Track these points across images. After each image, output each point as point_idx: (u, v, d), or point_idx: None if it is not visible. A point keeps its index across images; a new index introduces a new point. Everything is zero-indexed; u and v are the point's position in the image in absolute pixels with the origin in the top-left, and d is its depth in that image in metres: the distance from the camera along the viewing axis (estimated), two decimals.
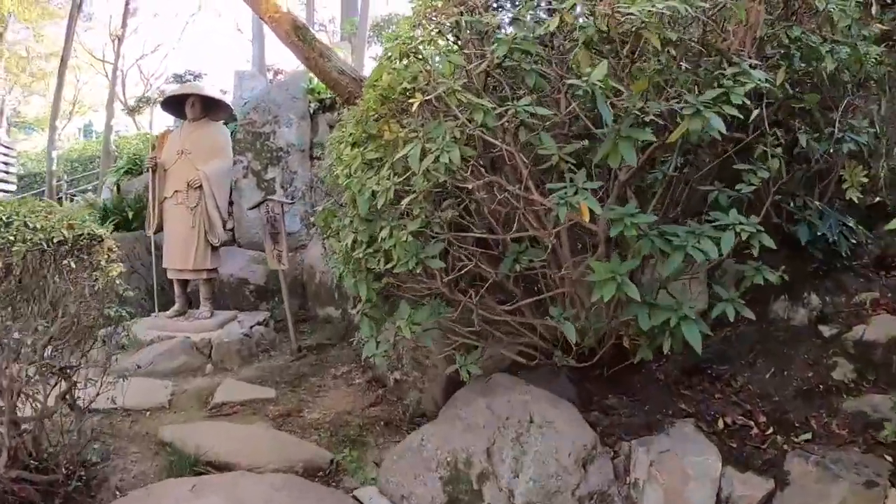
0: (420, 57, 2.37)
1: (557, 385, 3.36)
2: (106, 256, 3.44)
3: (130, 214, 8.41)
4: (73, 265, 3.15)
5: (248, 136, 8.40)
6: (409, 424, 4.16)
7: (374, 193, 2.34)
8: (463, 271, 2.56)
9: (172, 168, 6.26)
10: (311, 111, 8.74)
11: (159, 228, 6.36)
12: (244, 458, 3.61)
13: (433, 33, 2.47)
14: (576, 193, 2.15)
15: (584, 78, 2.02)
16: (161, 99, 6.74)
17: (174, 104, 6.67)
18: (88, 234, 3.37)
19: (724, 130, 2.15)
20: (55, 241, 3.08)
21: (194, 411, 4.76)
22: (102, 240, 3.48)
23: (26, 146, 23.47)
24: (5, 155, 13.44)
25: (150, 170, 6.27)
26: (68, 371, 3.31)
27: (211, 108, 6.55)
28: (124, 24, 15.52)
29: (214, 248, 6.30)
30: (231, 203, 8.14)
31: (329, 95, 8.77)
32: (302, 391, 5.08)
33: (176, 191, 6.19)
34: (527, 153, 2.34)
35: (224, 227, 6.36)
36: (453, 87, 2.10)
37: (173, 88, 6.61)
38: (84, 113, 25.12)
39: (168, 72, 16.37)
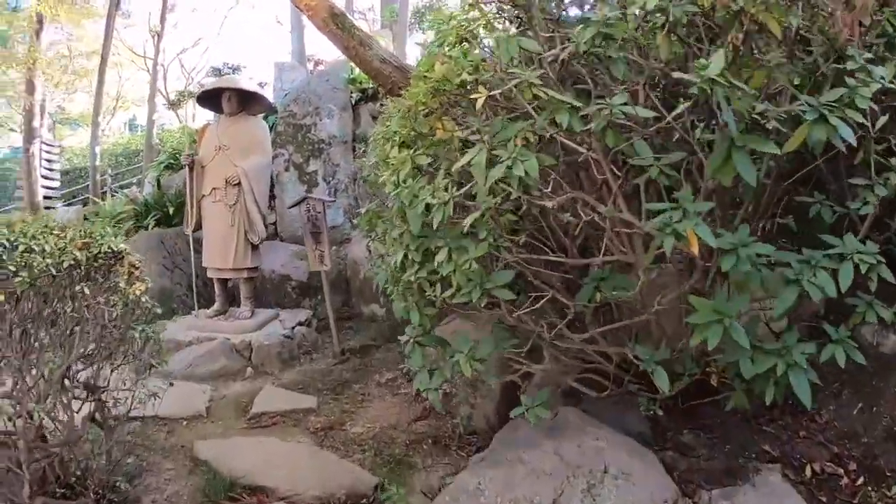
0: (480, 42, 1.99)
1: (628, 417, 2.99)
2: (127, 275, 3.13)
3: (171, 210, 8.29)
4: (86, 291, 2.85)
5: (288, 128, 8.16)
6: (459, 444, 3.87)
7: (427, 207, 2.00)
8: (539, 304, 2.13)
9: (210, 165, 6.06)
10: (353, 101, 8.49)
11: (198, 227, 6.18)
12: (282, 483, 3.35)
13: (493, 15, 2.10)
14: (683, 218, 1.77)
15: (700, 72, 1.61)
16: (197, 94, 6.50)
17: (211, 99, 6.43)
18: (106, 252, 3.05)
19: (852, 140, 1.74)
20: (66, 265, 2.76)
21: (232, 421, 4.55)
22: (122, 256, 3.17)
23: (72, 142, 23.83)
24: (48, 153, 13.55)
25: (187, 167, 6.07)
26: (95, 390, 3.09)
27: (248, 101, 6.33)
28: (163, 20, 15.48)
29: (255, 247, 6.10)
30: (272, 197, 7.93)
31: (371, 85, 8.49)
32: (344, 400, 4.82)
33: (214, 188, 5.99)
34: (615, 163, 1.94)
35: (264, 224, 6.13)
36: (529, 80, 1.72)
37: (209, 83, 6.36)
38: (127, 108, 25.24)
39: (208, 65, 16.25)
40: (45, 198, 13.10)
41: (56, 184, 13.83)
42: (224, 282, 6.27)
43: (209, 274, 6.25)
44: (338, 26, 5.55)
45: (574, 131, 1.75)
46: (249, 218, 5.95)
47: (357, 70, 8.82)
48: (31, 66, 9.66)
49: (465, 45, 2.04)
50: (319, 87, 8.36)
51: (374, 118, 8.43)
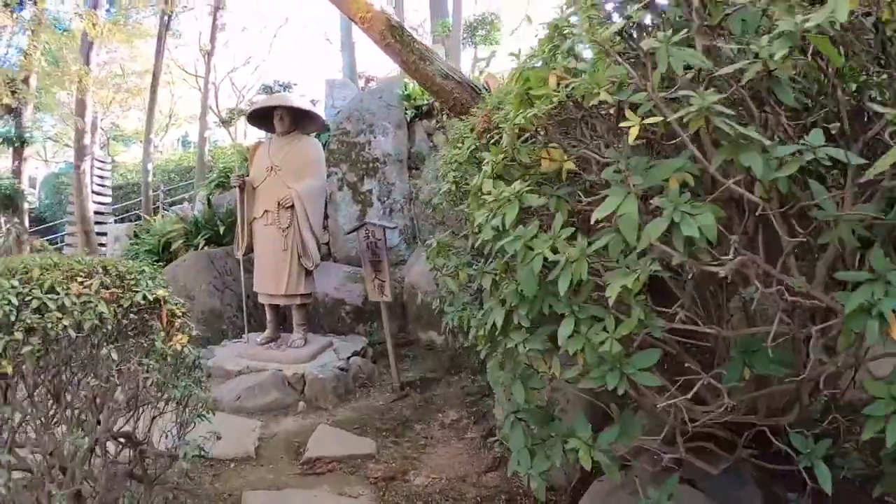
0: (622, 55, 1.55)
1: (742, 492, 2.52)
2: (166, 327, 2.68)
3: (222, 229, 8.10)
4: (114, 356, 2.37)
5: (341, 146, 7.90)
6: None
7: (544, 262, 1.59)
8: (690, 393, 1.63)
9: (262, 186, 5.81)
10: (408, 119, 8.15)
11: (249, 250, 5.92)
12: None
13: (596, 18, 1.68)
14: (885, 295, 1.34)
15: None
16: (248, 112, 6.27)
17: (262, 118, 6.16)
18: (139, 303, 2.56)
19: None
20: (87, 325, 2.27)
21: (284, 464, 4.20)
22: (161, 304, 2.69)
23: (125, 158, 24.26)
24: (100, 169, 13.62)
25: (238, 188, 5.82)
26: (135, 443, 2.77)
27: (301, 120, 6.06)
28: (213, 39, 15.52)
29: (308, 272, 5.78)
30: (326, 217, 7.65)
31: (426, 101, 8.18)
32: (406, 443, 4.43)
33: (266, 210, 5.72)
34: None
35: (318, 248, 5.82)
36: (707, 105, 1.29)
37: (260, 101, 6.12)
38: (180, 125, 25.73)
39: (259, 83, 16.26)
40: (97, 213, 13.15)
41: (108, 199, 13.90)
42: (276, 307, 5.98)
43: (260, 299, 5.96)
44: (396, 39, 5.18)
45: (763, 178, 1.31)
46: (303, 243, 5.64)
47: (411, 86, 8.54)
48: (81, 86, 9.65)
49: (600, 58, 1.61)
50: (373, 104, 8.09)
51: (430, 135, 8.11)
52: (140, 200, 14.67)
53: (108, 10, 14.59)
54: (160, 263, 8.57)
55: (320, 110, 8.99)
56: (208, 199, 8.91)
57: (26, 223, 12.38)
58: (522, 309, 1.69)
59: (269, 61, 45.03)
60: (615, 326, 1.53)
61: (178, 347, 2.63)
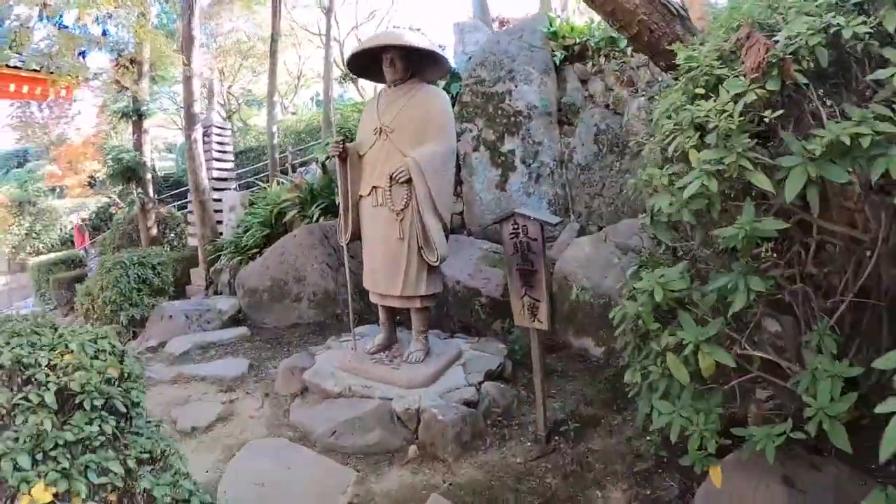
0: None
1: None
2: None
3: (338, 198, 6.92)
4: None
5: (476, 97, 6.39)
6: None
7: None
8: None
9: (369, 154, 4.36)
10: (556, 62, 6.46)
11: (355, 236, 4.52)
12: None
13: None
14: None
15: None
16: (347, 60, 4.69)
17: (369, 67, 4.64)
18: None
19: None
20: None
21: None
22: None
23: (258, 121, 24.25)
24: (220, 135, 13.07)
25: (338, 158, 4.40)
26: None
27: (418, 65, 4.49)
28: None
29: (432, 267, 4.27)
30: (458, 183, 6.22)
31: (578, 40, 6.47)
32: None
33: (374, 187, 4.27)
34: None
35: (447, 233, 4.34)
36: None
37: (360, 44, 4.65)
38: (309, 85, 25.36)
39: None
40: (219, 179, 12.65)
41: (229, 165, 13.35)
42: (391, 308, 4.60)
43: (372, 298, 4.58)
44: None
45: None
46: (425, 230, 4.11)
47: (558, 23, 6.84)
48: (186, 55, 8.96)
49: None
50: (512, 46, 6.47)
51: (584, 82, 6.42)
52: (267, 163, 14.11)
53: None
54: (271, 237, 7.97)
55: (449, 58, 7.52)
56: (323, 165, 7.78)
57: (150, 193, 12.12)
58: None
59: (393, 12, 44.08)
60: None
61: None
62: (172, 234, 13.88)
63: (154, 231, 12.40)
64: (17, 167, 22.03)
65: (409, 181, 4.08)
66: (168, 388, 5.10)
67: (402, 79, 4.40)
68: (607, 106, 6.13)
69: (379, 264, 4.31)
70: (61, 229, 17.74)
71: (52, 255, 15.92)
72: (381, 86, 4.66)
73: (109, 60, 12.35)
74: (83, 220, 17.02)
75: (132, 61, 11.33)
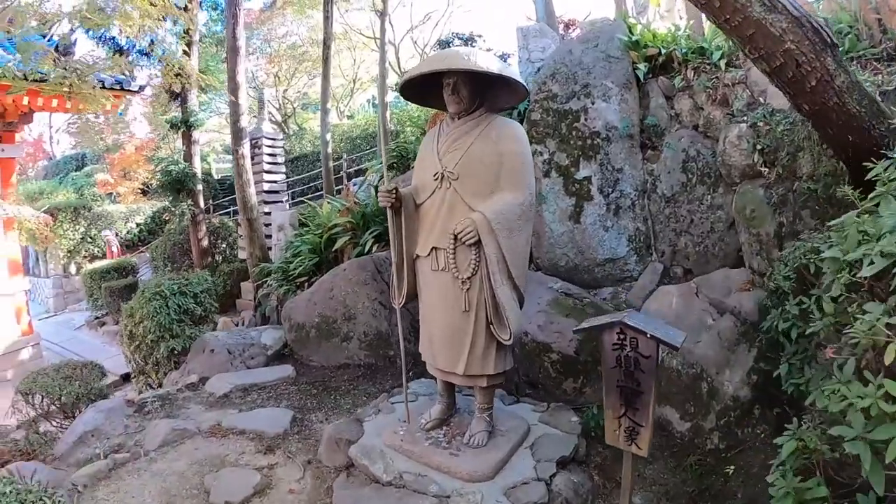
0: None
1: None
2: None
3: None
4: None
5: (547, 115, 5.69)
6: None
7: None
8: None
9: (428, 204, 3.62)
10: (639, 76, 5.70)
11: (411, 297, 3.81)
12: None
13: None
14: None
15: None
16: (399, 86, 3.94)
17: (428, 92, 3.80)
18: None
19: None
20: None
21: None
22: None
23: (314, 125, 24.09)
24: (271, 147, 12.71)
25: (389, 209, 3.63)
26: None
27: (487, 91, 3.66)
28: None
29: (501, 345, 3.52)
30: None
31: (663, 48, 5.69)
32: None
33: (435, 248, 3.56)
34: None
35: (521, 304, 3.57)
36: None
37: (413, 67, 3.82)
38: (366, 89, 25.02)
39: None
40: (270, 192, 12.32)
41: (280, 177, 13.01)
42: (451, 383, 3.93)
43: (429, 370, 3.90)
44: None
45: None
46: (496, 303, 3.38)
47: (640, 29, 6.06)
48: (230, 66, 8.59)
49: None
50: (586, 55, 5.74)
51: (669, 99, 5.65)
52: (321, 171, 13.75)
53: None
54: (321, 265, 7.44)
55: (514, 67, 6.82)
56: (375, 188, 7.18)
57: (201, 204, 11.88)
58: None
59: (449, 15, 43.33)
60: None
61: None
62: (224, 245, 13.66)
63: (205, 242, 12.19)
64: (76, 171, 22.35)
65: (478, 242, 3.34)
66: (204, 443, 4.61)
67: (468, 110, 3.58)
68: (696, 128, 5.36)
69: (438, 337, 3.60)
70: (117, 234, 17.82)
71: (105, 262, 15.99)
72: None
73: (158, 70, 12.20)
74: (116, 233, 17.10)
75: (179, 71, 11.09)
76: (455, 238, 3.38)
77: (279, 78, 22.58)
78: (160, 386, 6.70)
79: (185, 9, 11.31)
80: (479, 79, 3.50)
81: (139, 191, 18.56)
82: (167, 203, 11.87)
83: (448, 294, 3.49)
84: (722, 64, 5.30)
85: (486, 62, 3.32)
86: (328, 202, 8.46)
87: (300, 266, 7.27)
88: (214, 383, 5.68)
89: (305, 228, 8.26)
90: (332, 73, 22.99)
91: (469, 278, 3.39)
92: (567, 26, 10.27)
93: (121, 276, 14.61)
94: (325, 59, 12.39)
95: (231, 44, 8.78)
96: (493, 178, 3.43)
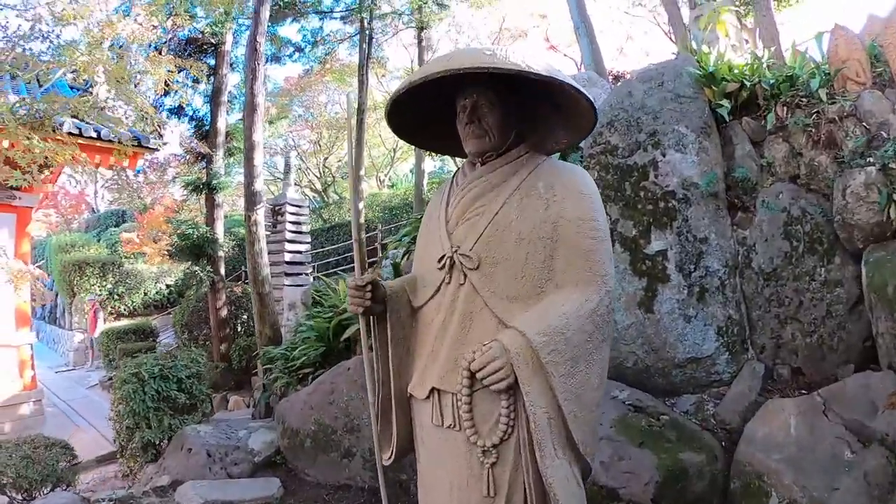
0: None
1: None
2: None
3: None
4: None
5: (605, 173, 4.49)
6: None
7: None
8: None
9: (429, 309, 2.13)
10: (721, 117, 4.50)
11: (406, 452, 2.28)
12: None
13: None
14: None
15: None
16: (388, 107, 2.16)
17: (434, 127, 2.36)
18: None
19: None
20: None
21: None
22: None
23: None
24: (295, 215, 11.90)
25: (362, 317, 2.18)
26: None
27: (528, 115, 2.21)
28: (421, 57, 13.78)
29: None
30: None
31: (749, 81, 4.57)
32: None
33: (436, 390, 2.01)
34: None
35: (587, 476, 2.00)
36: None
37: (410, 77, 2.04)
38: (406, 158, 24.49)
39: None
40: (292, 263, 11.41)
41: (305, 247, 12.15)
42: None
43: None
44: None
45: None
46: (544, 484, 1.77)
47: (713, 59, 4.93)
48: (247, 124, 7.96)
49: None
50: (650, 96, 4.56)
51: (757, 145, 4.47)
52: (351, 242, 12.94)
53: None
54: (328, 356, 6.28)
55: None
56: (395, 266, 5.93)
57: (221, 270, 11.06)
58: None
59: None
60: None
61: None
62: (246, 316, 12.76)
63: (224, 312, 11.34)
64: (115, 226, 22.10)
65: (512, 386, 1.83)
66: None
67: (498, 148, 2.12)
68: (794, 179, 4.14)
69: None
70: (145, 293, 17.19)
71: (125, 322, 15.41)
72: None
73: (186, 130, 11.75)
74: (101, 302, 16.53)
75: (206, 133, 10.58)
76: (471, 376, 1.89)
77: (320, 146, 22.28)
78: (134, 478, 5.88)
79: (215, 70, 10.94)
80: (514, 97, 2.13)
81: (165, 253, 18.12)
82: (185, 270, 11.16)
83: (459, 467, 1.95)
84: (822, 94, 4.12)
85: (523, 60, 1.86)
86: (343, 280, 7.37)
87: (304, 354, 6.09)
88: (186, 492, 4.62)
89: (317, 309, 7.12)
90: (373, 141, 22.84)
91: (496, 446, 1.87)
92: (617, 78, 9.25)
93: (139, 339, 13.97)
94: (359, 123, 11.75)
95: (249, 99, 8.05)
96: (540, 265, 1.97)
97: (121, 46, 5.78)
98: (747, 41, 6.81)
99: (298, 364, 6.09)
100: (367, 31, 12.11)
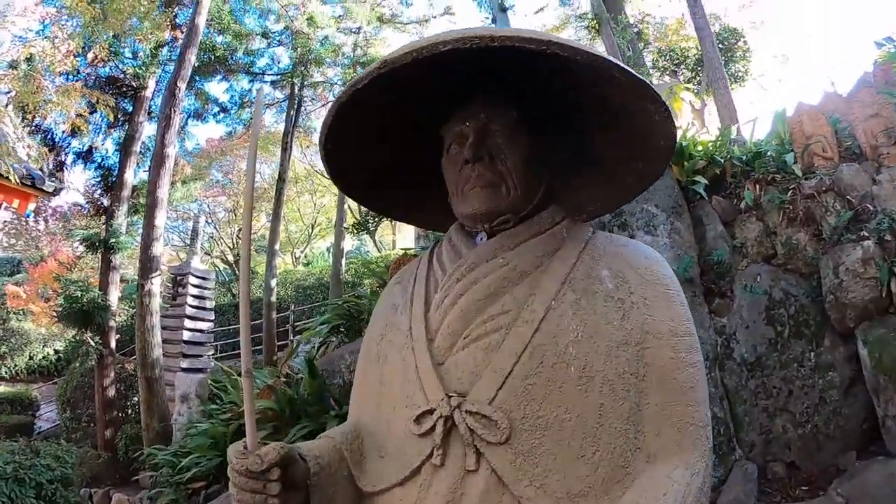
0: None
1: None
2: None
3: (333, 414, 4.36)
4: None
5: None
6: None
7: None
8: None
9: (391, 500, 1.14)
10: (690, 197, 4.18)
11: None
12: None
13: None
14: None
15: None
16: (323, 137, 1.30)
17: (395, 181, 1.49)
18: None
19: None
20: None
21: None
22: None
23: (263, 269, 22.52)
24: (198, 287, 10.82)
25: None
26: None
27: (558, 156, 1.35)
28: None
29: None
30: None
31: (721, 158, 4.39)
32: None
33: None
34: None
35: None
36: None
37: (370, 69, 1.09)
38: (324, 235, 23.62)
39: None
40: (190, 342, 10.16)
41: (206, 325, 11.01)
42: None
43: None
44: None
45: None
46: None
47: (681, 131, 4.71)
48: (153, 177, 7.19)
49: None
50: None
51: (728, 224, 4.19)
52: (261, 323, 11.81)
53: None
54: (224, 469, 5.06)
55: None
56: (309, 363, 4.94)
57: (112, 344, 9.59)
58: None
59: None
60: None
61: None
62: (136, 398, 11.14)
63: (112, 392, 9.78)
64: (9, 275, 19.68)
65: None
66: None
67: (519, 208, 1.24)
68: (768, 260, 3.86)
69: None
70: (31, 357, 15.21)
71: (2, 389, 13.60)
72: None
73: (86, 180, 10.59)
74: None
75: (112, 185, 9.44)
76: None
77: (235, 215, 21.16)
78: None
79: (131, 116, 9.93)
80: (538, 122, 1.30)
81: (53, 315, 16.01)
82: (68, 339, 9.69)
83: None
84: (796, 170, 4.02)
85: (560, 42, 1.00)
86: (294, 336, 6.47)
87: (196, 465, 5.02)
88: None
89: (214, 406, 6.04)
90: (291, 216, 21.86)
91: None
92: None
93: (15, 411, 12.23)
94: (279, 193, 11.10)
95: (159, 149, 7.24)
96: (623, 424, 1.07)
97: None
98: (695, 124, 6.88)
99: (189, 476, 5.05)
100: (297, 98, 11.73)
